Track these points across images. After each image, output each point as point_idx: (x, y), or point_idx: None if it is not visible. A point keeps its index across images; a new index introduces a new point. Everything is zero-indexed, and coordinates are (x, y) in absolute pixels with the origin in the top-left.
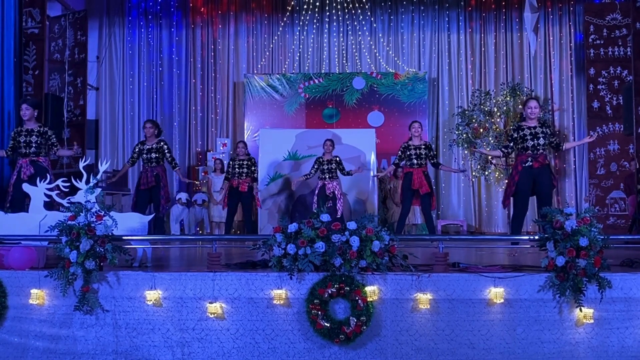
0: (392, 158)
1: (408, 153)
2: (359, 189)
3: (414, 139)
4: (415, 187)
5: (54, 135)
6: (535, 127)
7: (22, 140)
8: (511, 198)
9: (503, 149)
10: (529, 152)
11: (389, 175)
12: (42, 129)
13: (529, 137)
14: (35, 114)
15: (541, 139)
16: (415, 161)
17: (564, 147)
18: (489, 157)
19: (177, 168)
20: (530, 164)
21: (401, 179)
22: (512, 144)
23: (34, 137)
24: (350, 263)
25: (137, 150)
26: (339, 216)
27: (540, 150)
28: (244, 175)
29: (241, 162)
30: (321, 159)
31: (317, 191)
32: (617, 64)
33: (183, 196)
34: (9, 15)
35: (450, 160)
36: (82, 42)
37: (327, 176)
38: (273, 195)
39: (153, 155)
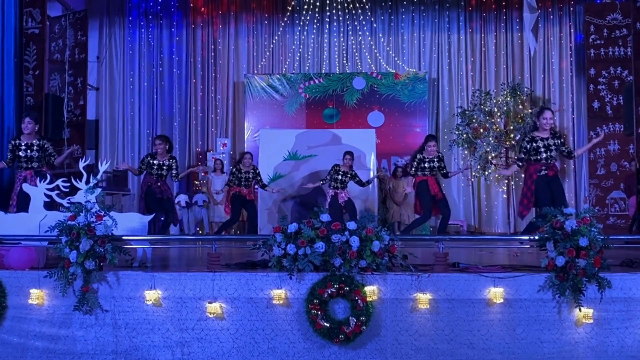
0: (393, 158)
1: (422, 165)
2: (359, 189)
3: (430, 155)
4: (433, 192)
5: (51, 146)
6: (547, 139)
7: (22, 155)
8: (531, 208)
9: (519, 163)
10: (543, 162)
11: (389, 175)
12: (41, 142)
13: (542, 150)
14: (37, 128)
15: (553, 151)
16: (428, 172)
17: (576, 154)
18: (489, 158)
19: (180, 177)
20: (545, 172)
21: (414, 187)
22: (526, 156)
23: (34, 152)
24: (350, 263)
25: (146, 162)
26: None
27: (553, 161)
28: (250, 186)
29: (247, 173)
30: (338, 168)
31: (329, 200)
32: (617, 64)
33: (182, 199)
34: (9, 15)
35: (450, 161)
36: (82, 42)
37: (339, 186)
38: (273, 195)
39: (164, 172)
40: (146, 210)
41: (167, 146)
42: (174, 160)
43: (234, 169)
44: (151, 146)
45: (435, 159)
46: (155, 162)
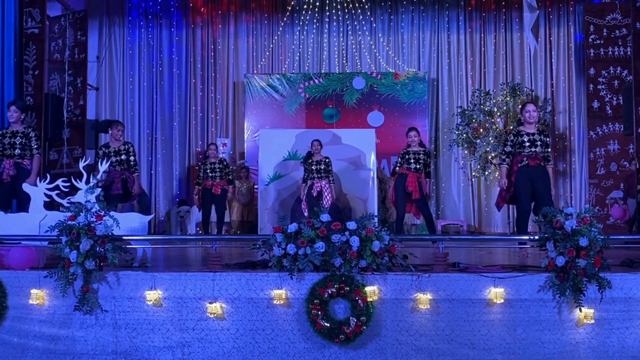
0: (393, 158)
1: (407, 157)
2: (359, 189)
3: (412, 146)
4: (410, 189)
5: (34, 139)
6: (534, 134)
7: (6, 142)
8: (507, 200)
9: (506, 159)
10: (525, 153)
11: (388, 175)
12: (26, 130)
13: (527, 144)
14: (23, 117)
15: (539, 147)
16: (412, 165)
17: (550, 164)
18: (489, 158)
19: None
20: (526, 162)
21: (393, 181)
22: (511, 149)
23: (17, 138)
24: (350, 263)
25: (100, 155)
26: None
27: (536, 154)
28: (217, 178)
29: (212, 165)
30: (310, 160)
31: (306, 191)
32: (617, 64)
33: (184, 209)
34: (9, 15)
35: (450, 160)
36: (82, 42)
37: (315, 176)
38: (273, 195)
39: (123, 157)
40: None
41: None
42: (130, 145)
43: (201, 164)
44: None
45: (422, 153)
46: (111, 150)
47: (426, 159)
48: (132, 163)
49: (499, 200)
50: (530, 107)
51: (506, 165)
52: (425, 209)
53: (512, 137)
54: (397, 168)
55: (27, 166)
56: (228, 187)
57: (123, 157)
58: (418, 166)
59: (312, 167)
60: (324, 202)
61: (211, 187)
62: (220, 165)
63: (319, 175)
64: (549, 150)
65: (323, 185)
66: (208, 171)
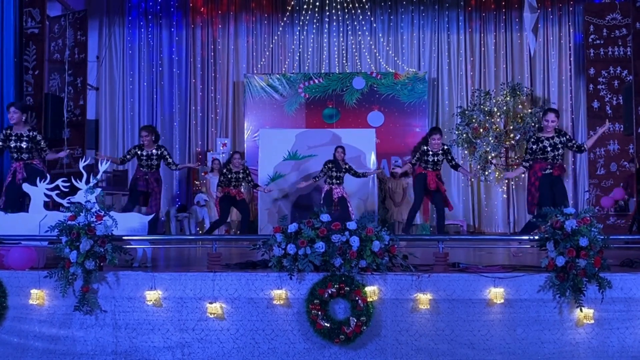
0: (392, 158)
1: (425, 158)
2: (359, 189)
3: (434, 148)
4: (432, 187)
5: (42, 140)
6: (553, 138)
7: (12, 146)
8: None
9: (525, 164)
10: (549, 160)
11: (387, 175)
12: (31, 133)
13: (549, 149)
14: (24, 117)
15: (560, 149)
16: (430, 166)
17: (586, 146)
18: (489, 158)
19: (180, 167)
20: (550, 171)
21: (413, 178)
22: (532, 157)
23: (24, 142)
24: (350, 263)
25: (133, 153)
26: (353, 219)
27: (559, 160)
28: (240, 186)
29: (237, 174)
30: (331, 165)
31: (323, 194)
32: (617, 64)
33: (201, 198)
34: (9, 15)
35: None
36: (82, 42)
37: (334, 182)
38: (273, 195)
39: (154, 162)
40: (129, 201)
41: (153, 137)
42: (164, 149)
43: (225, 170)
44: None
45: (440, 152)
46: (143, 153)
47: (445, 157)
48: (171, 163)
49: (531, 207)
50: (550, 116)
51: (522, 169)
52: (440, 203)
53: (532, 146)
54: (414, 161)
55: (37, 166)
56: (256, 189)
57: (152, 161)
58: (436, 167)
59: (333, 173)
60: (351, 212)
61: (235, 194)
62: (244, 174)
63: (338, 182)
64: (574, 141)
65: (342, 192)
66: (233, 181)
